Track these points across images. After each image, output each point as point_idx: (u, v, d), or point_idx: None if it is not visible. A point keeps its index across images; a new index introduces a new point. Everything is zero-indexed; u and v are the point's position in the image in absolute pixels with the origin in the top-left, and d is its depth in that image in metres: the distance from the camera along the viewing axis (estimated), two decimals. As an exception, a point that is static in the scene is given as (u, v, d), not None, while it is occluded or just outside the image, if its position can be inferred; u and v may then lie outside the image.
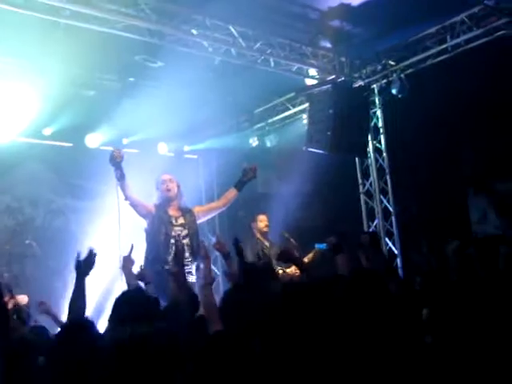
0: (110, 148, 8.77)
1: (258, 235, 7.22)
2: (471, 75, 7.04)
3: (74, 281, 3.60)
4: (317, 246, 6.38)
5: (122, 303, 3.14)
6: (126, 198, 5.50)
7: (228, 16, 6.58)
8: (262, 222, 7.32)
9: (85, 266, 3.62)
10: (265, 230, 7.28)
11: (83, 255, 3.67)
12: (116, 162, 5.38)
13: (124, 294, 3.33)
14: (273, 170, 10.25)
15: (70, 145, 8.82)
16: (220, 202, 6.29)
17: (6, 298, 4.96)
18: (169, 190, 5.81)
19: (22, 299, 5.81)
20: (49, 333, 3.84)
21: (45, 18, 5.80)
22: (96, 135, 8.78)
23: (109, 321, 3.23)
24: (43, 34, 6.24)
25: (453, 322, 2.68)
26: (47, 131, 8.45)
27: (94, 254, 3.69)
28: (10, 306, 5.20)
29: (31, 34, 6.28)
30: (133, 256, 4.51)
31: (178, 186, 5.93)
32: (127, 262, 4.43)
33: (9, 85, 7.21)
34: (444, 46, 7.32)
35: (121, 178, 5.40)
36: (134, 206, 5.60)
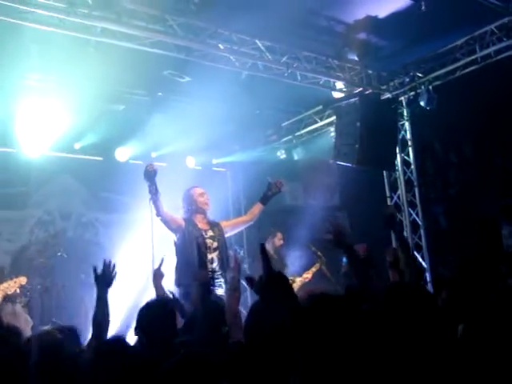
0: (140, 162, 9.00)
1: (272, 252, 7.41)
2: (500, 86, 6.94)
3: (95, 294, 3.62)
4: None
5: (144, 315, 3.18)
6: (158, 214, 5.52)
7: (254, 30, 6.64)
8: (280, 239, 7.66)
9: (103, 279, 3.62)
10: (280, 247, 7.69)
11: (99, 269, 3.67)
12: (150, 176, 5.41)
13: (147, 305, 3.36)
14: (300, 183, 10.25)
15: (100, 159, 8.98)
16: (246, 217, 6.32)
17: None
18: (206, 204, 5.85)
19: (22, 280, 5.88)
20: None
21: (76, 36, 5.94)
22: (125, 149, 8.93)
23: (135, 332, 3.27)
24: (74, 51, 6.39)
25: (490, 338, 2.62)
26: (78, 145, 8.62)
27: (111, 266, 3.68)
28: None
29: (63, 51, 6.44)
30: (163, 269, 4.56)
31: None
32: (157, 275, 4.48)
33: (41, 101, 7.39)
34: (473, 57, 7.25)
35: (155, 193, 5.43)
36: (166, 221, 5.62)
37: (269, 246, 7.35)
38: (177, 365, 2.19)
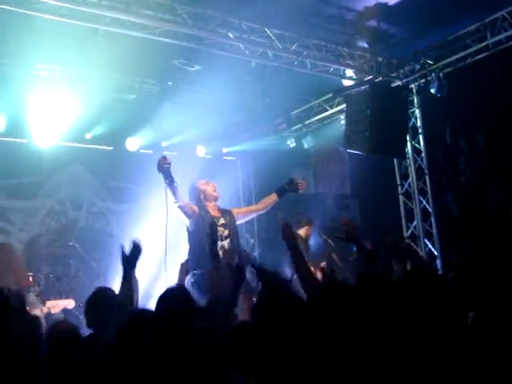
0: (150, 151, 9.04)
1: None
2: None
3: (122, 275, 3.66)
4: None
5: (163, 300, 3.21)
6: (176, 200, 5.57)
7: (264, 19, 6.62)
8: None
9: (131, 259, 3.67)
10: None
11: (127, 249, 3.71)
12: (164, 168, 5.43)
13: (167, 291, 3.39)
14: (310, 171, 10.24)
15: (111, 148, 9.01)
16: (259, 205, 6.32)
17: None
18: (214, 191, 5.89)
19: (68, 303, 5.89)
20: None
21: (85, 26, 5.95)
22: (136, 139, 8.95)
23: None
24: (84, 41, 6.42)
25: (500, 326, 2.62)
26: (89, 135, 8.66)
27: (139, 246, 3.73)
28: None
29: (73, 41, 6.47)
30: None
31: None
32: (184, 267, 4.50)
33: (52, 91, 7.42)
34: (484, 44, 7.19)
35: (170, 183, 5.46)
36: (182, 207, 5.66)
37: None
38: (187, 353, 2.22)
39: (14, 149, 8.07)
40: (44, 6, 5.52)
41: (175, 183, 5.44)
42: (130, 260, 3.68)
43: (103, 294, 3.68)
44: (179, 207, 5.60)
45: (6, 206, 8.37)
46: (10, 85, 7.06)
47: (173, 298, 3.21)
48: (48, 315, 5.40)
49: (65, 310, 6.26)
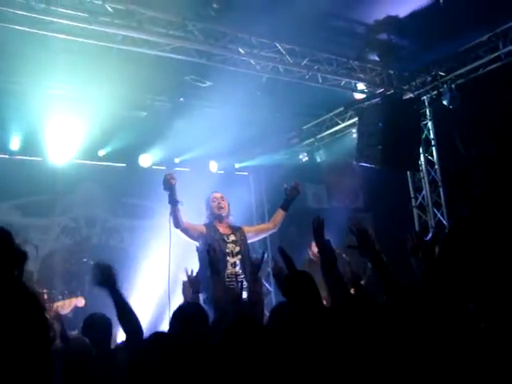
0: (163, 167, 9.07)
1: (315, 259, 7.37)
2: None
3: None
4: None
5: (177, 317, 3.20)
6: (178, 225, 5.52)
7: (274, 34, 6.65)
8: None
9: (104, 279, 3.56)
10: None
11: (94, 272, 3.62)
12: (169, 185, 5.43)
13: (179, 308, 3.37)
14: (323, 186, 10.21)
15: (124, 165, 9.06)
16: (270, 224, 6.31)
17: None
18: (220, 208, 5.86)
19: (79, 301, 5.78)
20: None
21: (99, 44, 6.02)
22: (148, 155, 9.00)
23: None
24: (97, 59, 6.48)
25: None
26: (102, 153, 8.72)
27: (100, 266, 3.60)
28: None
29: (85, 59, 6.53)
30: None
31: (229, 204, 5.99)
32: (186, 286, 4.49)
33: (65, 109, 7.49)
34: (496, 54, 7.16)
35: (174, 203, 5.44)
36: (185, 231, 5.64)
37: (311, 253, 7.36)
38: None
39: (28, 167, 8.15)
40: (57, 25, 5.58)
41: (179, 204, 5.41)
42: (103, 281, 3.57)
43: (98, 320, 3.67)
44: (182, 231, 5.58)
45: (21, 223, 8.42)
46: (25, 103, 7.14)
47: (187, 315, 3.20)
48: (57, 316, 5.36)
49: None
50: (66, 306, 5.78)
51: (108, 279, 3.53)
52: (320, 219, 3.66)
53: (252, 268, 4.24)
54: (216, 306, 4.15)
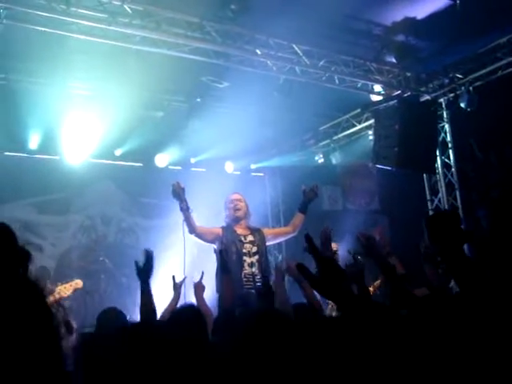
0: (179, 167, 9.12)
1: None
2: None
3: (140, 288, 3.67)
4: None
5: (175, 320, 3.21)
6: (192, 231, 5.56)
7: (291, 35, 6.66)
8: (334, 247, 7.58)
9: (145, 271, 3.66)
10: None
11: (141, 262, 3.72)
12: (178, 194, 5.48)
13: (179, 309, 3.40)
14: (339, 187, 10.19)
15: (140, 165, 9.12)
16: (289, 227, 6.25)
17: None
18: (238, 210, 5.86)
19: (78, 283, 5.87)
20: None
21: (117, 45, 6.07)
22: (165, 155, 9.05)
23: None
24: (115, 59, 6.54)
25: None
26: (118, 152, 8.79)
27: (150, 256, 3.72)
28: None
29: (104, 60, 6.60)
30: (204, 282, 4.60)
31: (247, 206, 5.99)
32: (198, 287, 4.52)
33: (83, 109, 7.56)
34: (516, 57, 7.11)
35: (185, 209, 5.49)
36: (200, 235, 5.67)
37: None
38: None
39: (46, 166, 8.25)
40: (77, 26, 5.68)
41: (190, 210, 5.45)
42: (145, 271, 3.67)
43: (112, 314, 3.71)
44: (196, 236, 5.62)
45: (38, 220, 8.51)
46: (43, 103, 7.22)
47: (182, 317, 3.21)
48: (60, 301, 5.42)
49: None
50: (66, 289, 5.90)
51: (150, 269, 3.65)
52: (328, 232, 3.62)
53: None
54: (220, 304, 4.18)
